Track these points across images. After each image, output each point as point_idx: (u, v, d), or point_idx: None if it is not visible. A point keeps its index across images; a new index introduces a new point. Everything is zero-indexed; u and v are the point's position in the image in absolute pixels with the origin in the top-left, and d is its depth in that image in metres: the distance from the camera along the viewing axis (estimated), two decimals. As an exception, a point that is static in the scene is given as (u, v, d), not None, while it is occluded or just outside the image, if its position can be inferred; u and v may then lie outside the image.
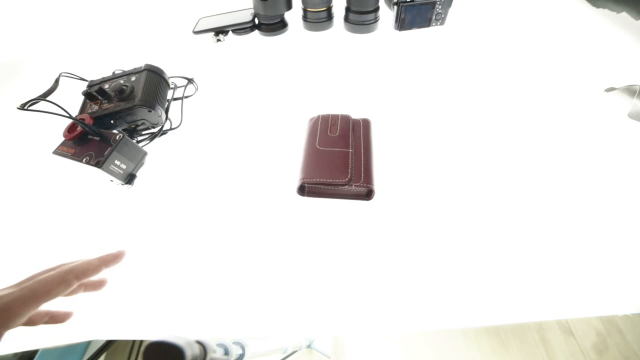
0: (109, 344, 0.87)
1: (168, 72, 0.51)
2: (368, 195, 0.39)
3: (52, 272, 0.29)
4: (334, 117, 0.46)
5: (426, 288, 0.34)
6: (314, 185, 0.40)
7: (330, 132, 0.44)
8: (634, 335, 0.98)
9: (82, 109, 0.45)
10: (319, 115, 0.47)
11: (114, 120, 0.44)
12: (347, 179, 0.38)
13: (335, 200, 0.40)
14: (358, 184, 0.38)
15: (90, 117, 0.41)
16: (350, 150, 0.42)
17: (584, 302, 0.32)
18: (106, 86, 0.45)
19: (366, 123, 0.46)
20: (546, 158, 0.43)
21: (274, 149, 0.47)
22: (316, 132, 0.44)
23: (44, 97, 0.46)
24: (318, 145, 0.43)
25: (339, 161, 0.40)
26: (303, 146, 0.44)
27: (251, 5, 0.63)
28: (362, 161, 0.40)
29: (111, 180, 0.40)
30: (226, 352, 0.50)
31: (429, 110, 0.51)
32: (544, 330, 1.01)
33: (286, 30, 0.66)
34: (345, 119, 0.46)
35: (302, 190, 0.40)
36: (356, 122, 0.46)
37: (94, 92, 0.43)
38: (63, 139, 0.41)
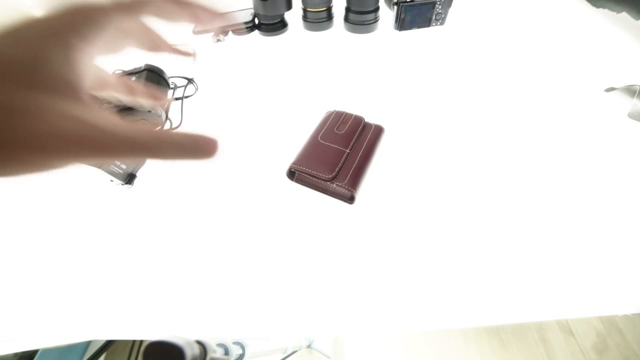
0: (109, 344, 0.87)
1: (168, 72, 0.51)
2: (350, 199, 0.39)
3: None
4: (347, 116, 0.47)
5: (426, 288, 0.34)
6: (302, 174, 0.41)
7: (337, 129, 0.45)
8: (634, 335, 0.98)
9: (82, 109, 0.45)
10: (335, 110, 0.48)
11: (114, 120, 0.44)
12: (330, 176, 0.39)
13: (339, 201, 0.40)
14: (341, 184, 0.39)
15: (90, 117, 0.41)
16: (347, 151, 0.42)
17: (584, 302, 0.32)
18: (106, 86, 0.45)
19: (377, 129, 0.46)
20: (546, 158, 0.43)
21: (273, 148, 0.47)
22: (324, 125, 0.46)
23: (44, 97, 0.46)
24: (320, 138, 0.44)
25: (331, 158, 0.41)
26: (309, 134, 0.45)
27: (251, 5, 0.63)
28: (355, 164, 0.41)
29: (111, 180, 0.40)
30: (226, 352, 0.50)
31: (429, 110, 0.51)
32: (544, 330, 1.01)
33: (286, 30, 0.67)
34: (358, 120, 0.46)
35: (292, 175, 0.42)
36: (367, 126, 0.46)
37: (94, 92, 0.43)
38: (63, 139, 0.41)
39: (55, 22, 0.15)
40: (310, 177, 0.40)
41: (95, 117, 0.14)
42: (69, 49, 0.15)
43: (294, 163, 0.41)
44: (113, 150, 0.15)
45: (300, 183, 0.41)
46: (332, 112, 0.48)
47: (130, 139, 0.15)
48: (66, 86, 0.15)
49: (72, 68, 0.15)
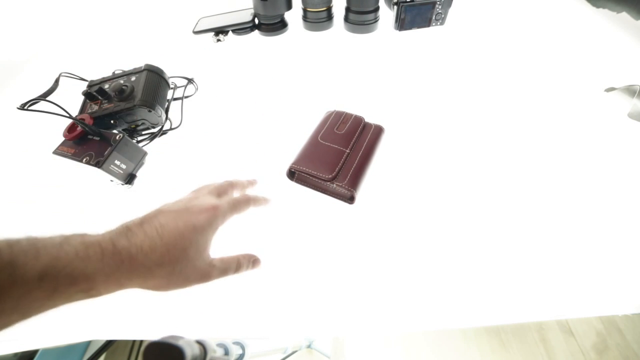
0: (109, 344, 0.87)
1: (168, 72, 0.51)
2: (350, 199, 0.39)
3: (241, 192, 0.37)
4: (347, 116, 0.47)
5: (426, 288, 0.34)
6: (302, 174, 0.41)
7: (337, 129, 0.45)
8: (634, 335, 0.98)
9: (82, 109, 0.45)
10: (334, 110, 0.48)
11: (114, 120, 0.44)
12: (330, 176, 0.39)
13: (340, 200, 0.40)
14: (341, 184, 0.39)
15: (90, 117, 0.41)
16: (347, 151, 0.42)
17: (584, 302, 0.32)
18: (106, 86, 0.45)
19: (377, 129, 0.46)
20: (546, 158, 0.43)
21: (273, 148, 0.47)
22: (324, 125, 0.45)
23: (44, 97, 0.46)
24: (320, 138, 0.44)
25: (331, 158, 0.41)
26: (309, 134, 0.45)
27: (251, 5, 0.63)
28: (355, 164, 0.41)
29: (111, 180, 0.40)
30: (226, 352, 0.50)
31: (429, 110, 0.51)
32: (544, 330, 1.01)
33: (286, 30, 0.67)
34: (358, 120, 0.46)
35: (292, 175, 0.42)
36: (367, 126, 0.46)
37: (94, 92, 0.43)
38: (63, 139, 0.41)
39: (210, 218, 0.29)
40: (311, 177, 0.40)
41: (211, 263, 0.29)
42: (211, 234, 0.29)
43: (294, 163, 0.41)
44: (217, 276, 0.30)
45: (300, 183, 0.41)
46: (332, 112, 0.47)
47: (225, 268, 0.30)
48: (207, 251, 0.29)
49: (209, 244, 0.29)
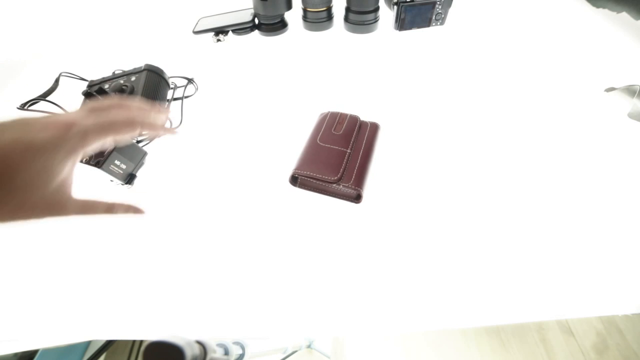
0: (109, 344, 0.87)
1: (168, 72, 0.51)
2: (357, 198, 0.39)
3: (123, 112, 0.27)
4: (342, 116, 0.46)
5: (426, 288, 0.34)
6: (305, 178, 0.40)
7: (334, 130, 0.44)
8: (634, 335, 0.98)
9: (82, 109, 0.45)
10: (329, 112, 0.48)
11: (114, 120, 0.44)
12: (336, 178, 0.39)
13: (339, 201, 0.40)
14: (347, 184, 0.39)
15: (90, 117, 0.41)
16: (348, 151, 0.42)
17: (584, 302, 0.32)
18: (106, 86, 0.45)
19: (374, 127, 0.46)
20: (546, 158, 0.43)
21: (274, 149, 0.47)
22: (321, 127, 0.45)
23: (44, 97, 0.46)
24: (319, 140, 0.43)
25: (334, 159, 0.41)
26: (306, 138, 0.45)
27: (251, 5, 0.63)
28: (358, 163, 0.41)
29: (111, 180, 0.40)
30: (226, 352, 0.50)
31: (429, 110, 0.51)
32: (544, 330, 1.01)
33: (286, 30, 0.67)
34: (353, 119, 0.46)
35: (295, 180, 0.41)
36: (364, 125, 0.46)
37: (94, 92, 0.43)
38: (63, 139, 0.41)
39: (56, 138, 0.23)
40: (315, 181, 0.40)
41: (67, 194, 0.27)
42: (61, 158, 0.23)
43: (296, 169, 0.41)
44: (75, 211, 0.28)
45: (304, 188, 0.41)
46: (327, 114, 0.47)
47: (88, 206, 0.29)
48: (58, 179, 0.24)
49: (59, 170, 0.24)
